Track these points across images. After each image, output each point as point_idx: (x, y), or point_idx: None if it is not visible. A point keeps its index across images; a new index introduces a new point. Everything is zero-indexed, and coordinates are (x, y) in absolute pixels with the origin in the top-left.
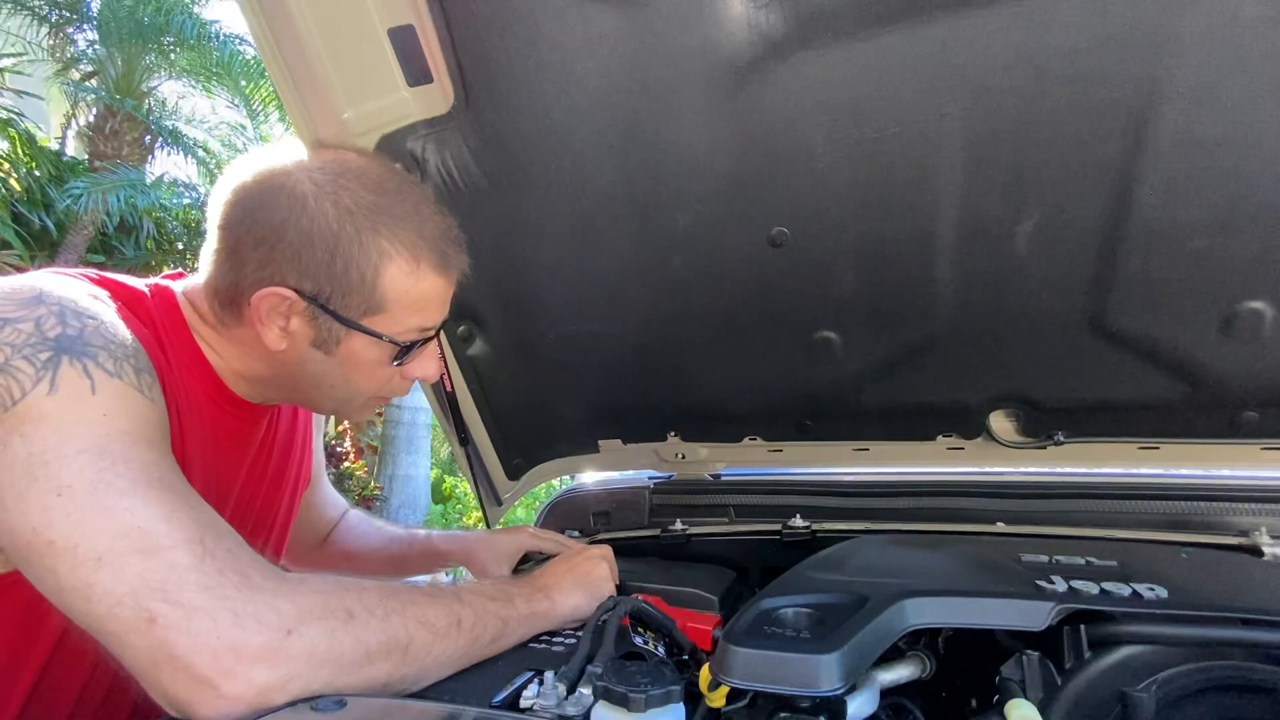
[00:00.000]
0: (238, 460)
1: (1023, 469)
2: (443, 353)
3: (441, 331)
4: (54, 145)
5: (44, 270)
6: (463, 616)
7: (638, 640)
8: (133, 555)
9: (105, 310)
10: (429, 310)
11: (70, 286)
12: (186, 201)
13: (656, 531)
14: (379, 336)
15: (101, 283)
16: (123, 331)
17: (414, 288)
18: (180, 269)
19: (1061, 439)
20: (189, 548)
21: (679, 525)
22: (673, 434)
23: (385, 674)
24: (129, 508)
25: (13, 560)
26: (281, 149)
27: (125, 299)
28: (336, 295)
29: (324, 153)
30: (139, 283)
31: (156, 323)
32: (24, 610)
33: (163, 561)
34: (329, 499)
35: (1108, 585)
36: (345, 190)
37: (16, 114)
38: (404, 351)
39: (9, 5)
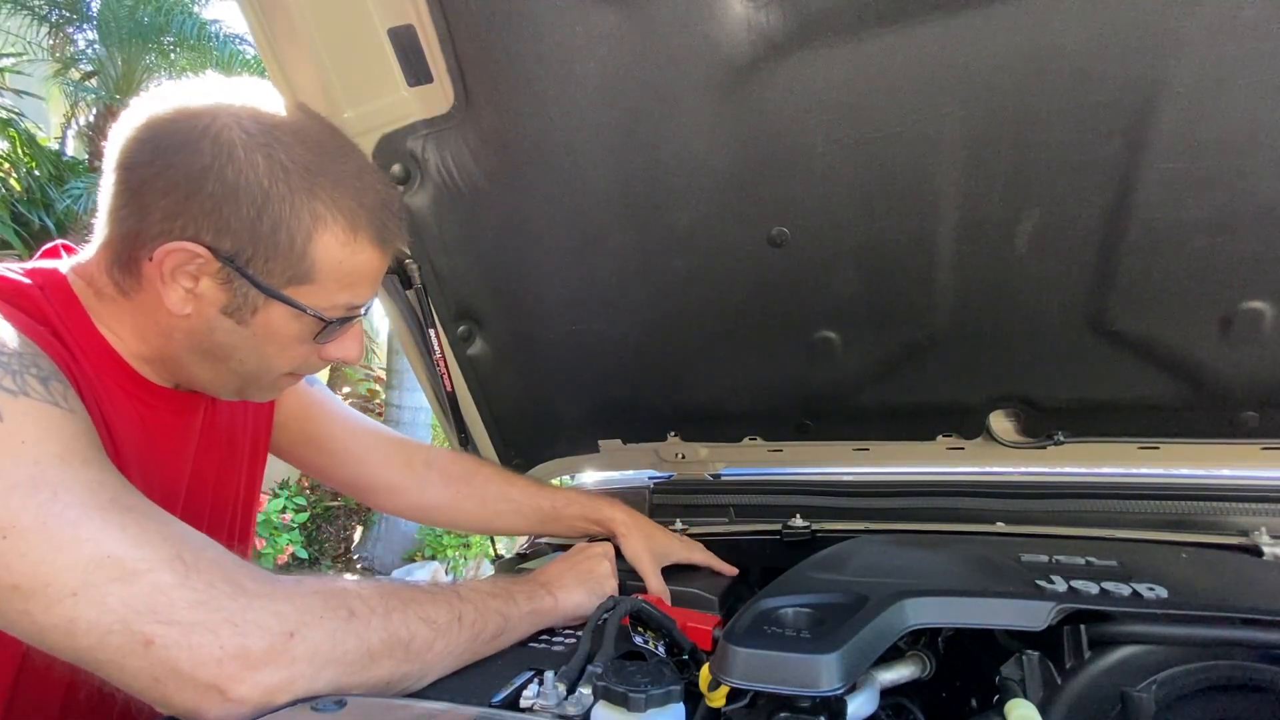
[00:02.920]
0: (178, 456)
1: (1023, 469)
2: (443, 353)
3: (441, 331)
4: (54, 145)
5: None
6: (464, 613)
7: (638, 640)
8: (111, 584)
9: None
10: (360, 287)
11: None
12: None
13: None
14: (303, 310)
15: None
16: (12, 337)
17: (348, 259)
18: (65, 242)
19: (1061, 439)
20: (169, 566)
21: (679, 525)
22: (673, 434)
23: (388, 672)
24: (90, 538)
25: None
26: (204, 86)
27: (7, 295)
28: (259, 259)
29: (256, 101)
30: (16, 271)
31: (50, 316)
32: None
33: (145, 585)
34: (372, 427)
35: (1108, 585)
36: (280, 144)
37: (16, 114)
38: (328, 328)
39: (9, 5)
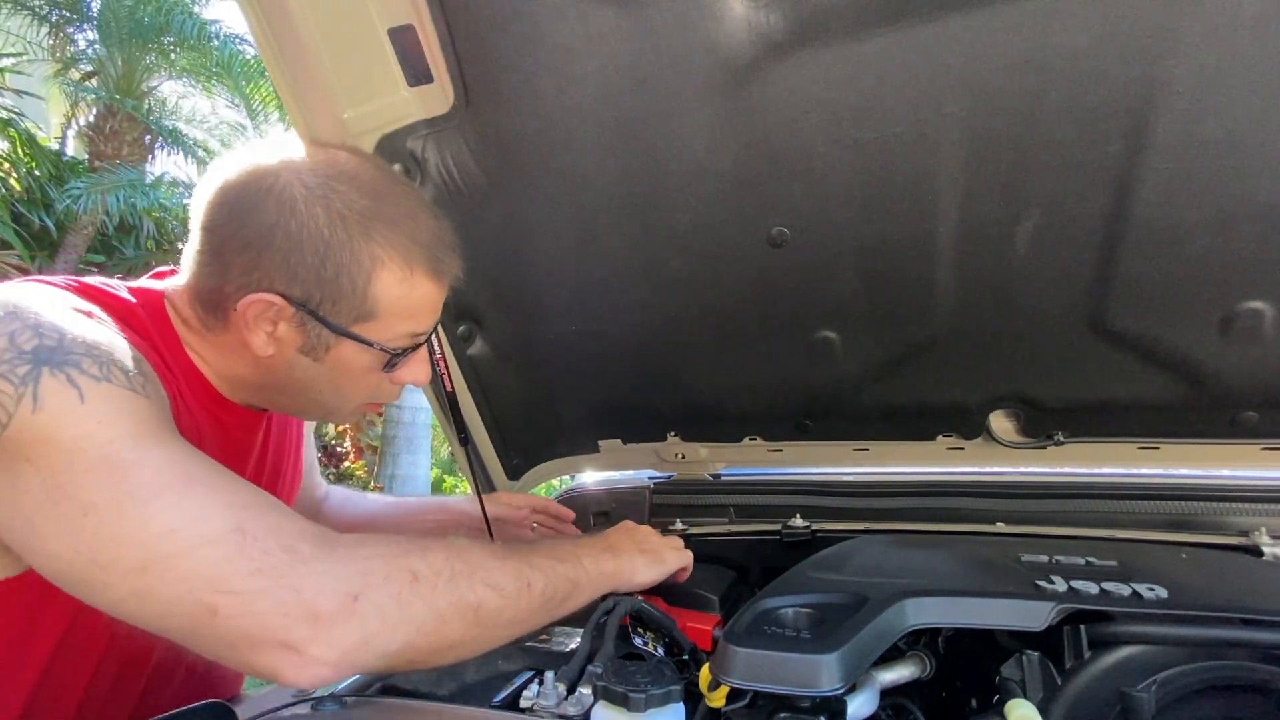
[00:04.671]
0: (241, 471)
1: (1023, 469)
2: (443, 353)
3: (441, 331)
4: (54, 145)
5: (22, 281)
6: (532, 580)
7: (637, 640)
8: (175, 558)
9: (92, 325)
10: (420, 316)
11: (50, 299)
12: (186, 201)
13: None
14: (369, 344)
15: (88, 295)
16: (112, 339)
17: (407, 295)
18: (172, 266)
19: (1061, 439)
20: (229, 538)
21: (679, 525)
22: (673, 434)
23: (458, 634)
24: (158, 513)
25: (65, 586)
26: (270, 146)
27: (119, 313)
28: (326, 302)
29: (315, 152)
30: (123, 290)
31: (152, 335)
32: (26, 610)
33: (205, 557)
34: (314, 481)
35: (1108, 585)
36: (336, 194)
37: (16, 114)
38: (394, 358)
39: (9, 5)
